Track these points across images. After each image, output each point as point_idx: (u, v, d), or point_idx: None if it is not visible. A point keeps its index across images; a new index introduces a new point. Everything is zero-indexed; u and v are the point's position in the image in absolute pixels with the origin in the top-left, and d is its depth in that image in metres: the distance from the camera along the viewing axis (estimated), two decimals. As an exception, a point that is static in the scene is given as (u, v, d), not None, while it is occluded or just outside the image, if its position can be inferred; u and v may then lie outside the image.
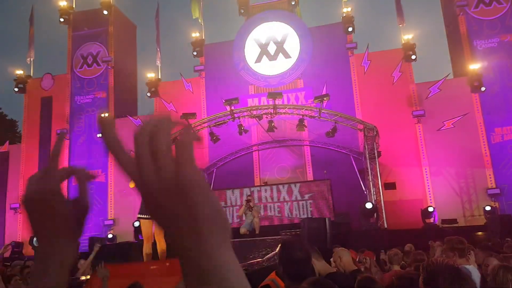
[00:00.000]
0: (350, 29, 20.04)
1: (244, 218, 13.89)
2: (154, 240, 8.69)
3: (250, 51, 21.07)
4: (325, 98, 16.74)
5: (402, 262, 6.72)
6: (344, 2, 20.71)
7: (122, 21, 23.93)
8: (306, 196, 16.96)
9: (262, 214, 16.04)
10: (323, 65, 19.82)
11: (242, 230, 13.24)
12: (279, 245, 3.11)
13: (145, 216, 8.19)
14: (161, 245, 8.60)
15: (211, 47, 21.81)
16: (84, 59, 22.56)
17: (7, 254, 15.85)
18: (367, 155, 16.87)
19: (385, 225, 15.79)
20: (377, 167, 16.68)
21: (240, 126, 17.97)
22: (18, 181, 21.41)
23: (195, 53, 21.60)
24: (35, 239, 0.77)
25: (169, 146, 0.55)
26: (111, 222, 20.16)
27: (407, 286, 3.24)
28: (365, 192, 17.56)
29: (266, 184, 18.09)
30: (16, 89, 22.46)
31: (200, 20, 22.25)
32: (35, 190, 0.73)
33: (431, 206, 16.87)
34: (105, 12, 22.22)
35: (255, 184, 18.97)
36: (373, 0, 45.12)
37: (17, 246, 18.80)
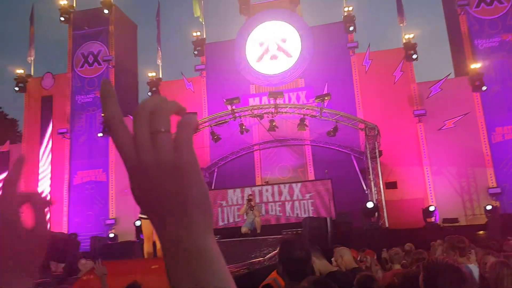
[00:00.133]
0: (351, 28, 20.02)
1: (245, 217, 13.90)
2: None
3: (251, 50, 21.06)
4: (326, 98, 16.76)
5: (403, 261, 6.72)
6: (345, 1, 20.71)
7: (122, 20, 23.92)
8: (307, 196, 16.95)
9: (264, 213, 16.04)
10: (324, 65, 19.81)
11: (244, 230, 13.24)
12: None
13: (147, 216, 8.21)
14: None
15: (212, 46, 21.79)
16: (85, 58, 22.55)
17: None
18: (368, 155, 16.87)
19: (386, 225, 15.79)
20: (378, 166, 16.68)
21: (241, 125, 17.97)
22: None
23: (196, 52, 21.59)
24: None
25: (169, 126, 0.55)
26: (112, 221, 20.16)
27: (412, 285, 3.23)
28: (366, 192, 17.57)
29: (267, 183, 18.08)
30: (16, 88, 22.42)
31: (201, 19, 22.24)
32: None
33: (432, 205, 16.89)
34: (106, 11, 22.21)
35: (256, 184, 18.97)
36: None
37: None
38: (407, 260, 7.08)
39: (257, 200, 16.14)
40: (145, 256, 8.67)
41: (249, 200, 13.84)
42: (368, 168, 16.97)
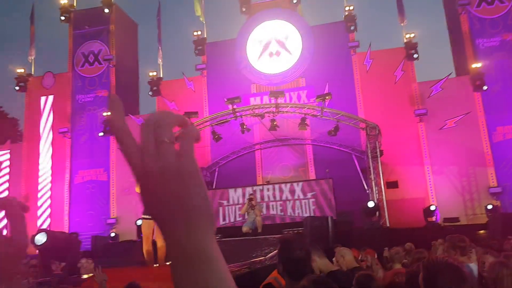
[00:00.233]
0: (352, 27, 20.01)
1: (246, 216, 13.91)
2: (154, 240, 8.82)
3: (252, 49, 21.04)
4: (327, 97, 16.75)
5: (404, 260, 6.73)
6: (346, 0, 20.68)
7: (123, 19, 23.92)
8: (309, 195, 16.94)
9: (265, 212, 16.04)
10: (325, 64, 19.79)
11: (245, 229, 13.26)
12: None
13: (148, 217, 8.27)
14: (161, 244, 8.69)
15: (213, 45, 21.78)
16: (86, 58, 22.54)
17: None
18: (369, 154, 16.86)
19: (387, 224, 15.80)
20: (379, 166, 16.68)
21: (242, 124, 17.97)
22: (20, 180, 21.47)
23: (197, 52, 21.58)
24: None
25: (172, 137, 0.60)
26: (113, 220, 20.17)
27: (413, 284, 3.23)
28: (367, 191, 17.57)
29: (268, 183, 18.08)
30: (17, 88, 22.44)
31: (202, 19, 22.21)
32: None
33: (433, 204, 16.89)
34: (106, 11, 22.20)
35: (258, 183, 18.96)
36: (375, -1, 45.03)
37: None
38: (407, 259, 7.09)
39: (258, 200, 16.15)
40: (145, 254, 8.76)
41: (250, 200, 13.86)
42: (369, 168, 16.96)
